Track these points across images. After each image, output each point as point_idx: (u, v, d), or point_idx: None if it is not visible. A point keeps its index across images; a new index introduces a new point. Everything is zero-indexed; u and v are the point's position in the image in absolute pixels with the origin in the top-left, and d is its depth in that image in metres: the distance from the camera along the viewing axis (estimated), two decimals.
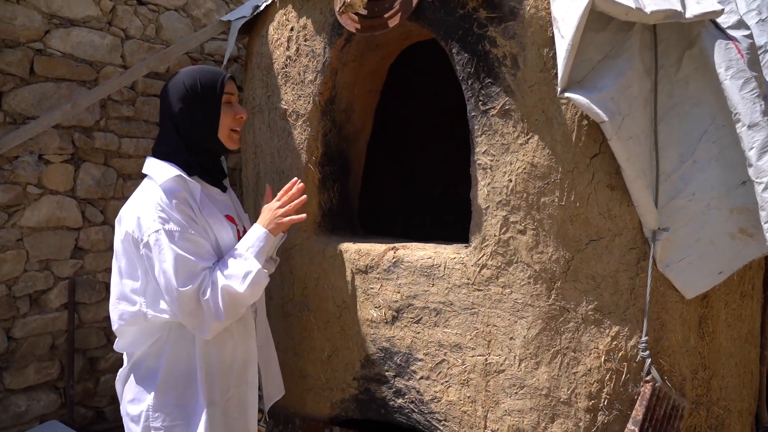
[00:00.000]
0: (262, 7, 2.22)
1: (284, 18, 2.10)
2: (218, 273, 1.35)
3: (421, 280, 1.80)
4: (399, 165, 3.34)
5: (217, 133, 1.45)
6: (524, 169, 1.62)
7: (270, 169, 2.18)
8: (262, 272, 1.39)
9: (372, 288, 1.88)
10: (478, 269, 1.71)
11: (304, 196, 1.51)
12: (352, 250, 1.94)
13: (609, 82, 1.44)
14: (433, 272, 1.78)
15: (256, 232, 1.45)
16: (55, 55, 2.41)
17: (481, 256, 1.71)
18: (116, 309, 1.39)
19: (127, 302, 1.38)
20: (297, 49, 2.04)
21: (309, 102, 2.01)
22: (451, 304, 1.76)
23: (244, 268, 1.36)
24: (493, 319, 1.69)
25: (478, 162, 1.71)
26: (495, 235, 1.68)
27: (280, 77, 2.10)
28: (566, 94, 1.47)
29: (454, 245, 1.84)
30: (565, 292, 1.61)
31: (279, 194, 1.53)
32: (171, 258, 1.28)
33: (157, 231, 1.30)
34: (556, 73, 1.49)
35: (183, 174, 1.40)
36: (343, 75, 2.02)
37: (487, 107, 1.67)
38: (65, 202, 2.46)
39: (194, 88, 1.43)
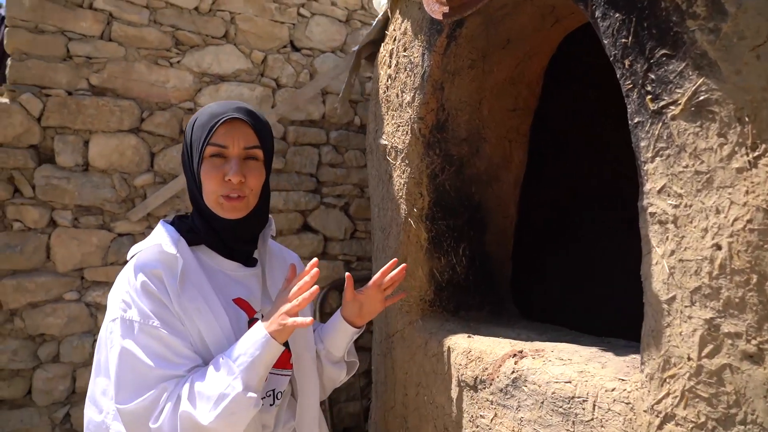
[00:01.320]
0: (374, 24, 1.77)
1: (392, 28, 1.61)
2: (186, 387, 0.91)
3: (554, 420, 1.02)
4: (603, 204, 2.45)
5: (201, 196, 1.03)
6: (749, 220, 0.76)
7: (376, 225, 1.66)
8: (245, 398, 0.89)
9: (481, 416, 1.17)
10: (657, 420, 0.87)
11: (316, 287, 0.94)
12: (459, 349, 1.26)
13: None
14: (573, 410, 0.99)
15: (255, 334, 0.95)
16: None
17: (663, 396, 0.86)
18: (85, 414, 1.06)
19: (95, 408, 1.03)
20: (396, 64, 1.51)
21: (407, 132, 1.44)
22: None
23: (220, 387, 0.89)
24: None
25: (649, 210, 0.89)
26: (691, 358, 0.83)
27: (383, 104, 1.60)
28: None
29: (620, 358, 1.02)
30: None
31: (294, 280, 1.01)
32: (116, 358, 0.92)
33: (114, 320, 0.96)
34: None
35: (170, 243, 1.00)
36: (454, 89, 1.41)
37: (662, 103, 0.86)
38: None
39: (188, 132, 1.06)
